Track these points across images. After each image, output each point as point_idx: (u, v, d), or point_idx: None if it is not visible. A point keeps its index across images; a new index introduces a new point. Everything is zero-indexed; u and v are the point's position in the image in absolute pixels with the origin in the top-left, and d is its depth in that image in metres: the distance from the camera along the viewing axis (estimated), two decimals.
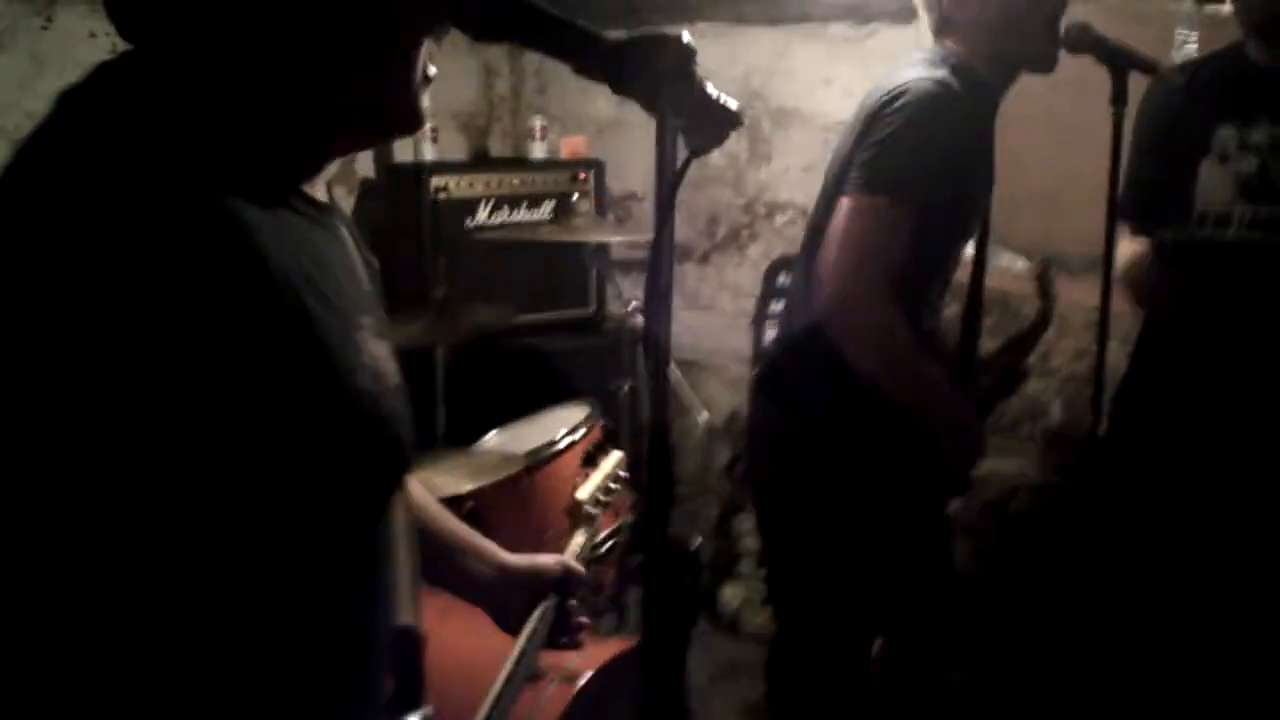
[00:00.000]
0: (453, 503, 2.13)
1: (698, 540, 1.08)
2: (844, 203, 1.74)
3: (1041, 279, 2.05)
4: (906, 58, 1.87)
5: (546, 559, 1.28)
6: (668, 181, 0.87)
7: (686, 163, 0.86)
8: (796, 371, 1.92)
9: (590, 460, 2.65)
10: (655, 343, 0.91)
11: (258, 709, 0.77)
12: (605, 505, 1.65)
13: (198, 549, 0.70)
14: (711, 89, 0.85)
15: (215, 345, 0.67)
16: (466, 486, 2.22)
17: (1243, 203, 1.98)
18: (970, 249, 2.01)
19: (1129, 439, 2.12)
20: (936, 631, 2.06)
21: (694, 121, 0.85)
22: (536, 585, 1.25)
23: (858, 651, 1.94)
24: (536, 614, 1.24)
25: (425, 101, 0.84)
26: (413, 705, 0.99)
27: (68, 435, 0.63)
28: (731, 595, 3.28)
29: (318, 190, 0.86)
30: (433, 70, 0.84)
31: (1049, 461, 3.05)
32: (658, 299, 0.90)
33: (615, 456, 1.78)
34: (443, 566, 1.19)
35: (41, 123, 0.71)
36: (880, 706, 2.06)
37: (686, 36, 0.83)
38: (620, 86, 0.84)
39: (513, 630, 1.25)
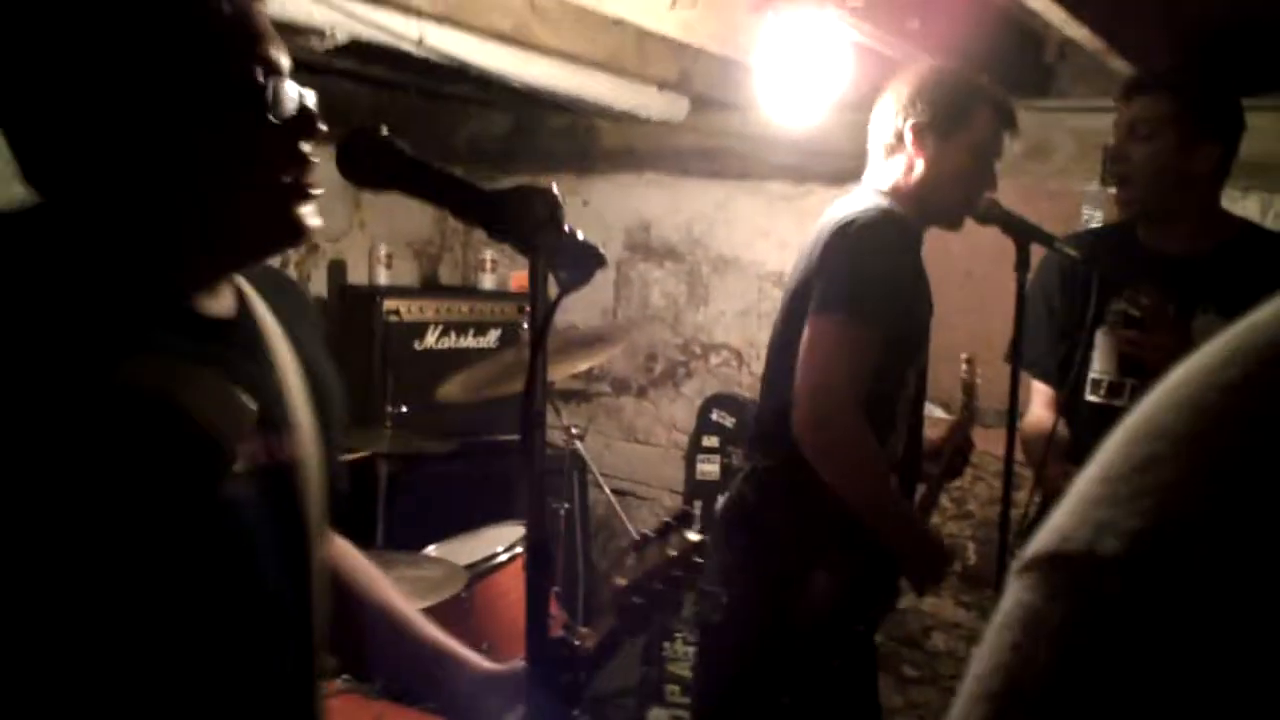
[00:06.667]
0: None
1: (588, 637, 1.15)
2: (808, 326, 1.84)
3: (969, 364, 2.17)
4: (849, 197, 1.99)
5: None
6: (541, 316, 0.98)
7: (559, 298, 0.97)
8: (765, 502, 1.97)
9: None
10: (530, 459, 1.00)
11: None
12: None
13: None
14: (579, 233, 0.94)
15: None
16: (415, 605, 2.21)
17: (1129, 375, 2.09)
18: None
19: None
20: None
21: (563, 262, 0.95)
22: (513, 687, 1.23)
23: None
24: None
25: (312, 219, 0.93)
26: None
27: None
28: (657, 719, 3.31)
29: (221, 304, 0.94)
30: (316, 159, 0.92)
31: (963, 600, 3.15)
32: (531, 423, 1.00)
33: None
34: (422, 674, 1.20)
35: None
36: None
37: (555, 188, 0.95)
38: (496, 233, 0.94)
39: None
